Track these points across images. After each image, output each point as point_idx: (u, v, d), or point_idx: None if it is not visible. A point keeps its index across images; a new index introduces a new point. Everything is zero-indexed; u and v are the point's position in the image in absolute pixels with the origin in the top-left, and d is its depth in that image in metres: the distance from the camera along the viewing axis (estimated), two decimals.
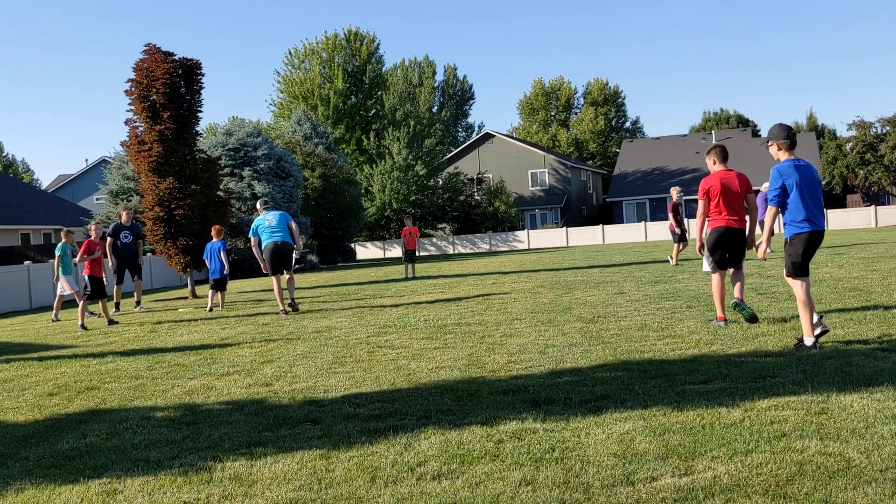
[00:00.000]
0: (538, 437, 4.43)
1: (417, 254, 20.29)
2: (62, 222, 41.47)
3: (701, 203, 8.19)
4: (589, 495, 3.51)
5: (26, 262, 20.57)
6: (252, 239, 13.16)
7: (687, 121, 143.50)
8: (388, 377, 6.56)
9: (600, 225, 50.69)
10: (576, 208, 62.84)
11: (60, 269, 14.10)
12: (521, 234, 51.37)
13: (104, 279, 13.78)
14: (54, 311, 15.04)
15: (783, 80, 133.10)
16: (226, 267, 14.37)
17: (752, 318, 7.91)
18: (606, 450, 4.10)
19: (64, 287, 14.05)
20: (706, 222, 8.19)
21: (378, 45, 62.15)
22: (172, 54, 18.69)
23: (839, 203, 53.83)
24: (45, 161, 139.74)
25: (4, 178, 47.26)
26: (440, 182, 52.45)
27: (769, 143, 6.90)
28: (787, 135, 6.76)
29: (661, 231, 48.68)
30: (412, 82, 76.73)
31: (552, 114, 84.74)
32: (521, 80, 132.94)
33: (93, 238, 13.95)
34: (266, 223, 13.06)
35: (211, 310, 14.18)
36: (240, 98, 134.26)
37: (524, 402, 5.29)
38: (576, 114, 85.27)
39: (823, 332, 6.42)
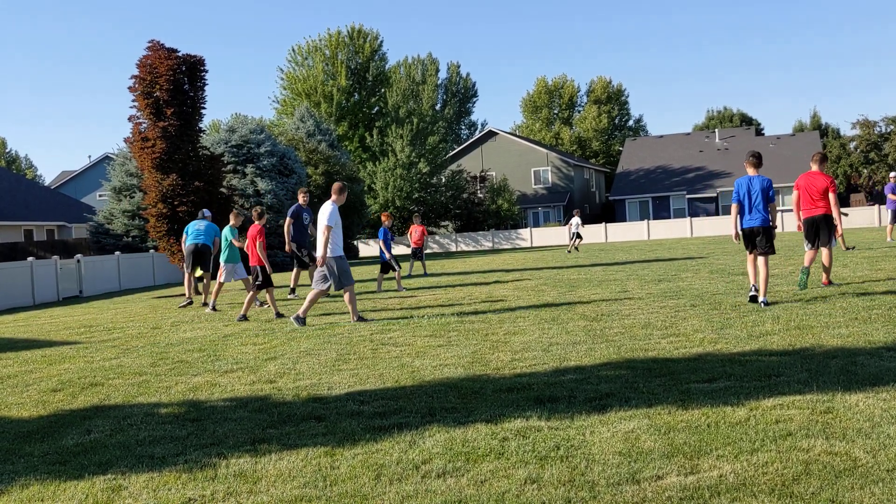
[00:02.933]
0: (543, 436, 4.42)
1: (424, 251, 20.32)
2: (65, 219, 41.52)
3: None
4: (594, 494, 3.50)
5: (29, 259, 20.60)
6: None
7: (690, 119, 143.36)
8: (392, 374, 6.56)
9: (603, 223, 50.65)
10: (579, 206, 62.79)
11: (224, 255, 13.72)
12: (524, 232, 51.36)
13: (268, 267, 12.38)
14: (212, 300, 13.96)
15: (787, 80, 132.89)
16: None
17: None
18: (611, 448, 4.09)
19: (230, 275, 13.70)
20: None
21: (381, 42, 62.11)
22: (176, 51, 18.70)
23: (843, 202, 53.75)
24: (48, 157, 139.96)
25: (7, 174, 47.32)
26: (443, 180, 52.44)
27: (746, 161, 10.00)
28: (753, 155, 10.06)
29: (663, 229, 48.62)
30: (415, 80, 76.66)
31: (555, 112, 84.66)
32: (524, 77, 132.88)
33: (260, 223, 12.50)
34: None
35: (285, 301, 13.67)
36: (243, 95, 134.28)
37: (528, 400, 5.28)
38: (579, 112, 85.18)
39: (752, 298, 9.52)
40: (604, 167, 75.55)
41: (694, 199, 56.82)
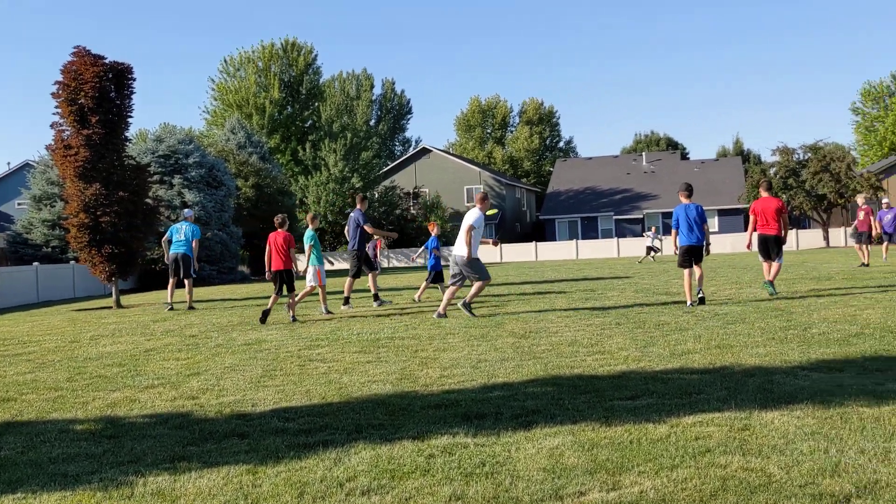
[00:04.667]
0: (469, 452, 4.42)
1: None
2: None
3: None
4: None
5: None
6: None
7: (619, 142, 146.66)
8: (319, 391, 6.48)
9: (533, 242, 51.29)
10: (510, 225, 63.41)
11: (312, 257, 13.47)
12: None
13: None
14: (323, 305, 13.55)
15: (712, 106, 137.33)
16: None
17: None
18: (536, 464, 4.12)
19: (314, 278, 13.43)
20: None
21: (316, 56, 61.80)
22: (103, 58, 18.21)
23: None
24: None
25: None
26: (376, 195, 52.31)
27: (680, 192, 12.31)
28: (685, 188, 12.28)
29: (591, 249, 49.47)
30: (350, 95, 76.40)
31: (488, 131, 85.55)
32: (459, 96, 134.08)
33: (284, 230, 12.75)
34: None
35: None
36: (172, 105, 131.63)
37: (456, 417, 5.28)
38: (511, 132, 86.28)
39: (699, 302, 11.56)
40: (535, 187, 76.58)
41: (621, 220, 58.07)
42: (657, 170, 62.59)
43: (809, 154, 46.13)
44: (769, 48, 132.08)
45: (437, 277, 15.77)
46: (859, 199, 22.86)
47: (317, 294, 14.12)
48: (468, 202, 62.88)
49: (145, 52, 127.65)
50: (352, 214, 14.85)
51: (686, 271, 12.18)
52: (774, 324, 9.17)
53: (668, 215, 56.08)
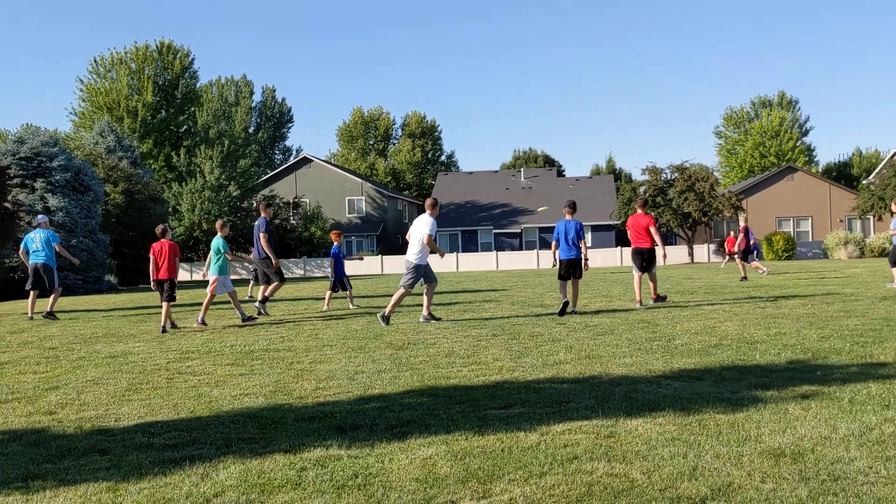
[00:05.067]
0: (342, 464, 4.38)
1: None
2: None
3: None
4: None
5: None
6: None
7: (499, 158, 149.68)
8: (188, 405, 6.26)
9: None
10: (392, 237, 63.48)
11: (214, 266, 13.06)
12: None
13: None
14: (202, 314, 13.09)
15: (587, 126, 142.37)
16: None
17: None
18: (409, 475, 4.13)
19: (220, 286, 13.07)
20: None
21: (192, 59, 60.07)
22: None
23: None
24: None
25: None
26: (254, 204, 51.20)
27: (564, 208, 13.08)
28: (570, 205, 13.01)
29: (471, 262, 50.14)
30: (228, 100, 74.61)
31: (371, 143, 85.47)
32: (342, 107, 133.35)
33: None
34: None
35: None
36: (36, 105, 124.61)
37: (330, 429, 5.23)
38: (394, 144, 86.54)
39: (563, 308, 12.33)
40: (417, 199, 77.02)
41: (500, 233, 59.18)
42: (534, 186, 64.23)
43: (676, 174, 48.55)
44: (640, 73, 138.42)
45: (339, 285, 16.09)
46: (741, 220, 24.35)
47: (228, 301, 13.91)
48: (350, 213, 62.53)
49: (6, 47, 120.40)
50: (256, 222, 14.77)
51: (561, 283, 12.91)
52: (641, 335, 9.57)
53: (545, 230, 57.62)
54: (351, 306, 16.28)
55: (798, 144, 78.91)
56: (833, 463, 4.00)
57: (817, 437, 4.48)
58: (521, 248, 57.25)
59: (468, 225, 59.48)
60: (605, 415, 5.27)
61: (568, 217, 12.94)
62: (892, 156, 62.50)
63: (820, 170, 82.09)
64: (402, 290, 12.23)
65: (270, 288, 14.66)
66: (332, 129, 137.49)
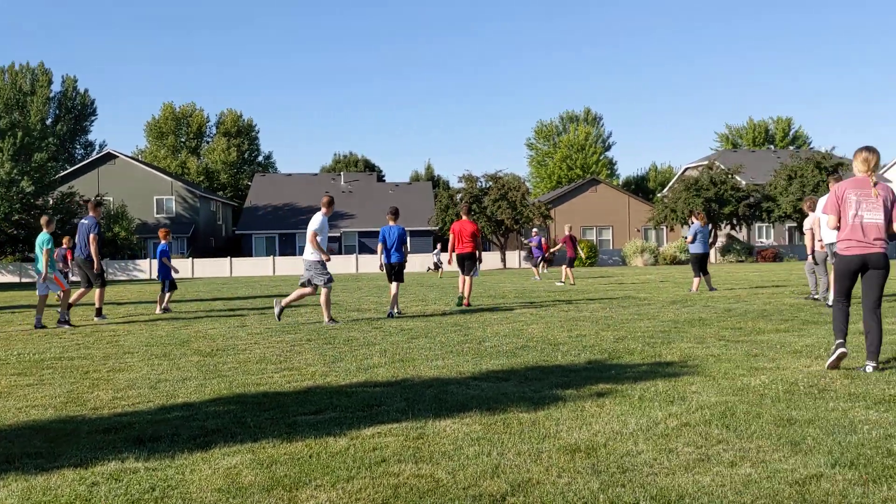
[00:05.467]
0: (138, 478, 4.14)
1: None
2: None
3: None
4: None
5: None
6: None
7: (319, 160, 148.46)
8: None
9: (229, 257, 49.91)
10: (204, 239, 61.13)
11: (40, 265, 12.32)
12: (143, 263, 48.61)
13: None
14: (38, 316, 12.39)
15: (407, 133, 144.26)
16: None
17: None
18: (211, 485, 3.97)
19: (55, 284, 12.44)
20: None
21: None
22: None
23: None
24: None
25: None
26: (51, 202, 47.53)
27: (388, 214, 13.56)
28: (393, 211, 13.51)
29: (289, 265, 49.30)
30: (22, 89, 69.01)
31: (182, 140, 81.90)
32: (151, 101, 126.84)
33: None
34: None
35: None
36: None
37: (127, 441, 4.93)
38: (208, 143, 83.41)
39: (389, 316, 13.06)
40: (232, 200, 74.69)
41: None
42: (354, 190, 64.21)
43: (491, 183, 50.28)
44: (459, 82, 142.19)
45: (170, 286, 15.68)
46: (566, 229, 25.40)
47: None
48: (158, 213, 59.60)
49: None
50: (83, 221, 13.69)
51: (392, 284, 13.58)
52: (453, 338, 9.80)
53: (364, 234, 57.70)
54: (158, 311, 15.49)
55: (601, 158, 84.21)
56: (623, 456, 4.27)
57: (610, 433, 4.77)
58: (340, 253, 56.97)
59: (286, 228, 58.44)
60: (415, 416, 5.34)
61: (391, 223, 13.43)
62: (683, 171, 68.25)
63: (620, 182, 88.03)
64: (324, 290, 12.17)
65: (96, 295, 13.69)
66: (140, 124, 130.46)
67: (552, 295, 18.00)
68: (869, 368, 6.53)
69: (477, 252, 15.05)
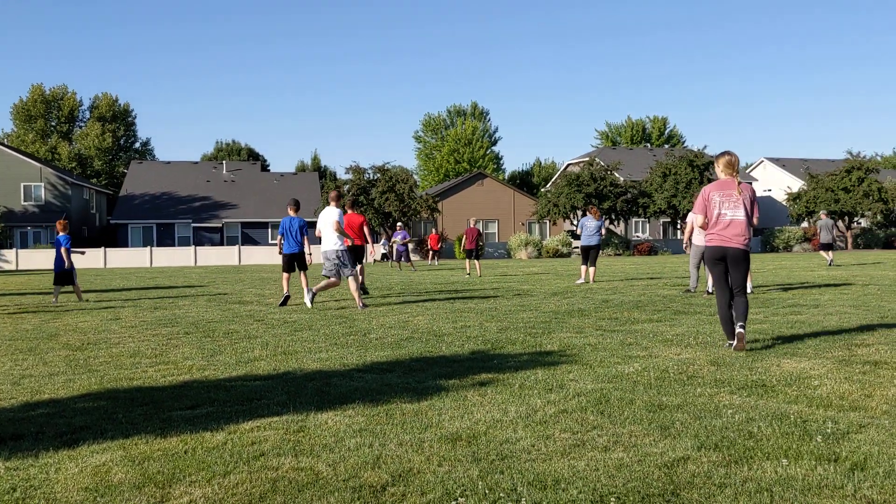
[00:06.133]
0: None
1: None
2: None
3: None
4: None
5: None
6: None
7: (200, 148, 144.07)
8: None
9: (103, 248, 47.79)
10: (76, 228, 58.22)
11: None
12: (9, 254, 45.91)
13: None
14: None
15: (292, 122, 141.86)
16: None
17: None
18: (78, 484, 3.78)
19: None
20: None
21: None
22: None
23: None
24: None
25: None
26: None
27: (288, 206, 13.83)
28: (293, 203, 13.74)
29: (167, 257, 47.66)
30: None
31: (53, 124, 77.63)
32: (17, 82, 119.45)
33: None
34: None
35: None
36: None
37: None
38: (80, 127, 79.38)
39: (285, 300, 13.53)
40: (107, 188, 71.43)
41: (200, 227, 56.89)
42: (237, 179, 62.65)
43: (378, 175, 50.14)
44: (344, 68, 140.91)
45: (66, 277, 15.31)
46: (471, 221, 25.50)
47: None
48: (26, 200, 56.35)
49: None
50: None
51: (285, 274, 14.05)
52: (338, 330, 9.72)
53: (248, 225, 56.42)
54: (54, 301, 14.75)
55: (488, 153, 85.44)
56: (502, 443, 4.34)
57: (490, 421, 4.84)
58: (222, 244, 55.49)
59: (165, 217, 56.42)
60: (296, 410, 5.26)
61: (292, 214, 13.79)
62: (566, 167, 70.18)
63: (506, 177, 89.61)
64: (351, 278, 12.66)
65: None
66: (5, 106, 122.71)
67: (438, 286, 18.14)
68: (738, 329, 7.35)
69: (368, 244, 15.26)
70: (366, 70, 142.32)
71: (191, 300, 15.05)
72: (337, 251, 12.61)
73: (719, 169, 7.62)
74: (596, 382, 5.96)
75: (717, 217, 7.50)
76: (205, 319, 11.38)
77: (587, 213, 18.70)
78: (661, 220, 61.18)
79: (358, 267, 15.21)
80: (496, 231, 58.85)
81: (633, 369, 6.48)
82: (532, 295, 14.94)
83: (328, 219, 12.76)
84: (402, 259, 30.95)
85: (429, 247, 39.94)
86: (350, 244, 14.66)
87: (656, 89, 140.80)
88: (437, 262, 36.68)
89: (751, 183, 66.16)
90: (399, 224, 32.45)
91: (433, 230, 42.28)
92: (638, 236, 61.93)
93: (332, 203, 13.06)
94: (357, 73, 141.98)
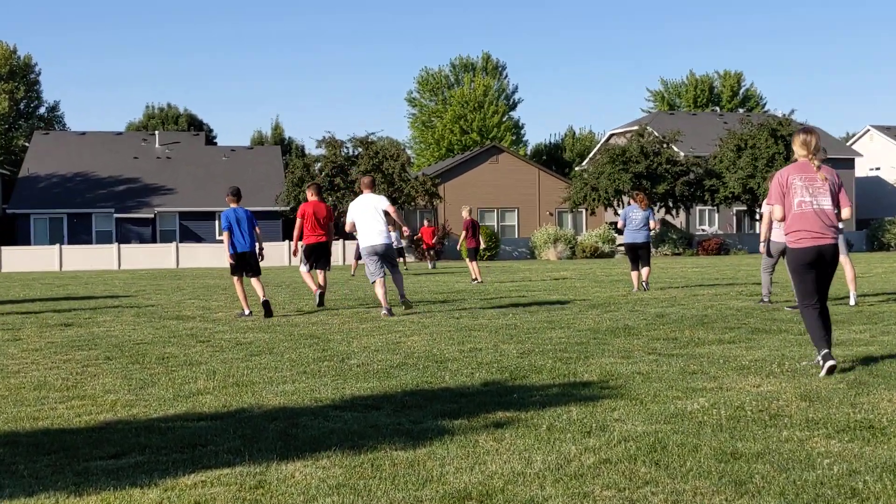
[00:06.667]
0: None
1: None
2: None
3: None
4: None
5: None
6: None
7: (125, 115, 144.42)
8: None
9: None
10: None
11: None
12: None
13: None
14: None
15: (246, 81, 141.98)
16: None
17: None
18: None
19: None
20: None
21: None
22: None
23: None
24: None
25: None
26: None
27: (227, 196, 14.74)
28: (234, 192, 14.73)
29: (82, 258, 47.76)
30: None
31: None
32: None
33: None
34: None
35: None
36: None
37: None
38: None
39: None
40: (1, 167, 71.57)
41: (125, 219, 56.98)
42: (175, 155, 62.81)
43: (360, 149, 50.22)
44: (315, 12, 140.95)
45: None
46: (464, 212, 25.79)
47: None
48: None
49: None
50: None
51: (236, 279, 14.75)
52: (308, 354, 9.74)
53: (188, 216, 56.57)
54: None
55: (505, 120, 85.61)
56: (526, 503, 4.36)
57: (509, 474, 4.85)
58: (154, 240, 55.61)
59: (78, 206, 56.54)
60: (253, 459, 5.28)
61: (233, 205, 14.54)
62: (608, 138, 70.21)
63: (529, 152, 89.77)
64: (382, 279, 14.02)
65: None
66: None
67: (439, 296, 18.18)
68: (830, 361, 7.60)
69: (329, 240, 16.15)
70: (343, 13, 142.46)
71: (114, 315, 15.10)
72: (387, 244, 13.99)
73: (796, 147, 7.91)
74: (648, 423, 5.97)
75: (800, 207, 7.74)
76: (132, 340, 11.41)
77: (632, 199, 18.87)
78: (735, 209, 61.24)
79: (321, 274, 15.97)
80: (515, 223, 58.99)
81: (697, 406, 6.48)
82: (564, 307, 14.97)
83: (371, 206, 14.07)
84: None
85: (422, 244, 39.52)
86: (318, 241, 15.69)
87: (728, 36, 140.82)
88: (433, 266, 36.57)
89: (853, 159, 66.23)
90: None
91: (426, 221, 42.06)
92: (703, 230, 62.01)
93: (367, 190, 14.33)
94: (331, 17, 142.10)
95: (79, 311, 16.11)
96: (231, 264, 14.55)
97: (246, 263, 14.52)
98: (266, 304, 14.24)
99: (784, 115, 53.53)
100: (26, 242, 54.50)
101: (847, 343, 9.64)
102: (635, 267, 18.56)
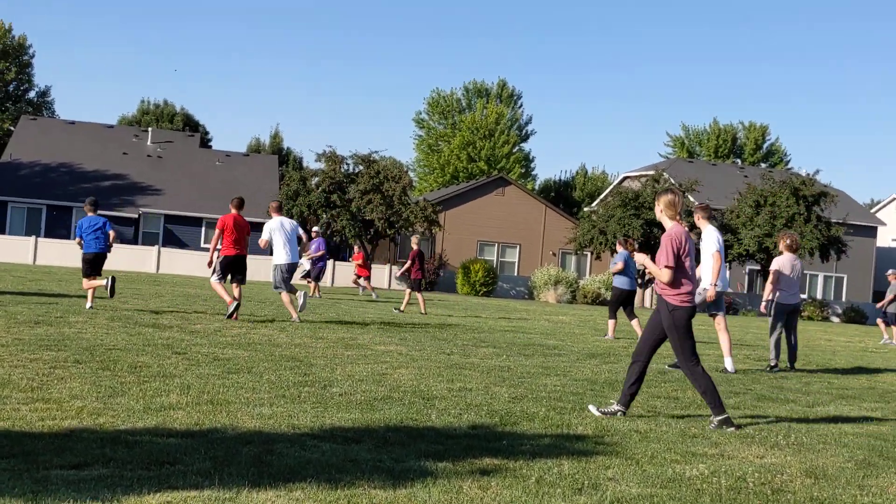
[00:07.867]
0: None
1: None
2: None
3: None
4: None
5: None
6: None
7: (118, 108, 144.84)
8: None
9: None
10: None
11: None
12: None
13: None
14: None
15: (250, 86, 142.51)
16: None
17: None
18: None
19: None
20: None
21: None
22: None
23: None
24: None
25: None
26: None
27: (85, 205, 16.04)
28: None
29: (60, 252, 47.63)
30: None
31: None
32: None
33: None
34: None
35: None
36: None
37: None
38: None
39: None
40: None
41: (109, 216, 56.86)
42: (166, 155, 62.85)
43: (361, 167, 50.22)
44: (323, 21, 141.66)
45: None
46: (413, 242, 25.82)
47: None
48: None
49: None
50: None
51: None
52: (288, 377, 9.71)
53: (173, 219, 56.51)
54: None
55: (515, 151, 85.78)
56: None
57: None
58: (136, 242, 55.52)
59: (60, 198, 56.46)
60: (223, 483, 5.25)
61: (90, 213, 16.69)
62: (621, 180, 70.38)
63: (537, 187, 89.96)
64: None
65: None
66: None
67: (432, 328, 18.15)
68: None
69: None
70: (351, 25, 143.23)
71: (87, 316, 15.06)
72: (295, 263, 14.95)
73: (670, 208, 8.53)
74: (644, 486, 5.94)
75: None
76: (104, 345, 11.38)
77: (618, 246, 19.25)
78: (747, 268, 61.29)
79: (237, 288, 16.65)
80: (516, 260, 58.99)
81: (696, 472, 6.46)
82: (560, 354, 14.95)
83: (288, 227, 15.47)
84: (317, 278, 29.97)
85: (355, 270, 37.31)
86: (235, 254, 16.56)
87: (756, 86, 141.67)
88: (373, 293, 34.33)
89: (875, 228, 66.46)
90: (315, 230, 31.46)
91: (357, 248, 41.64)
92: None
93: (276, 214, 16.83)
94: (339, 29, 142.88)
95: (50, 308, 16.07)
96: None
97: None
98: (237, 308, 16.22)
99: (808, 174, 53.62)
100: (1, 231, 54.40)
101: (858, 421, 9.62)
102: (613, 315, 19.58)
